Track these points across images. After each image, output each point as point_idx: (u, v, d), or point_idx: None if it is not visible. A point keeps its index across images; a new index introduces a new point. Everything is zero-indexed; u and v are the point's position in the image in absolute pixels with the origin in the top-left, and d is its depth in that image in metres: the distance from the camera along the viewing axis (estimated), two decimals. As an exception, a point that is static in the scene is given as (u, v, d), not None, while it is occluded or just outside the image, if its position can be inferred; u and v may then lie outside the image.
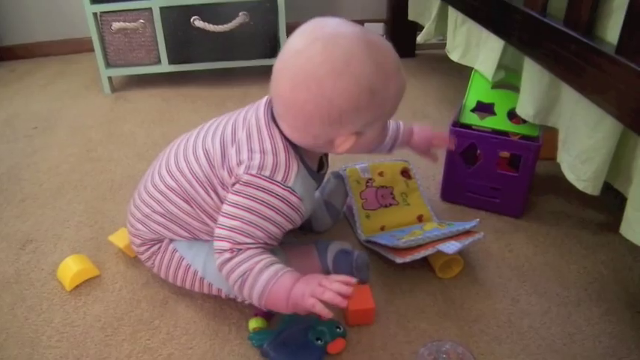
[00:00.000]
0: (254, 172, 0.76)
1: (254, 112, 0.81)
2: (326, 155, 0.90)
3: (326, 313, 0.69)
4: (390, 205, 1.06)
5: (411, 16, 1.89)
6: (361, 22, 2.35)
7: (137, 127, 1.56)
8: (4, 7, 2.24)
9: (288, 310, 0.74)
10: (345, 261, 0.90)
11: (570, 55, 0.83)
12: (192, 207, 0.84)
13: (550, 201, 1.15)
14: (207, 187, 0.82)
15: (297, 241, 0.98)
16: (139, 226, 0.89)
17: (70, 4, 2.23)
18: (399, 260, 0.89)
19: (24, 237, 1.09)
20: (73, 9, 2.21)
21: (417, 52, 2.08)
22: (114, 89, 1.84)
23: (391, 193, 1.08)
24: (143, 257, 0.92)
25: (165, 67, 1.78)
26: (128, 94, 1.82)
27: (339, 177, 1.07)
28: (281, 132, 0.77)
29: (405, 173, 1.11)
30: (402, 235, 0.95)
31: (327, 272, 0.91)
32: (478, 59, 1.26)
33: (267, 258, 0.76)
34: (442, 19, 1.56)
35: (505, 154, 1.11)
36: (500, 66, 1.15)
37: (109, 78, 1.81)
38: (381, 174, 1.11)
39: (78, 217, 1.14)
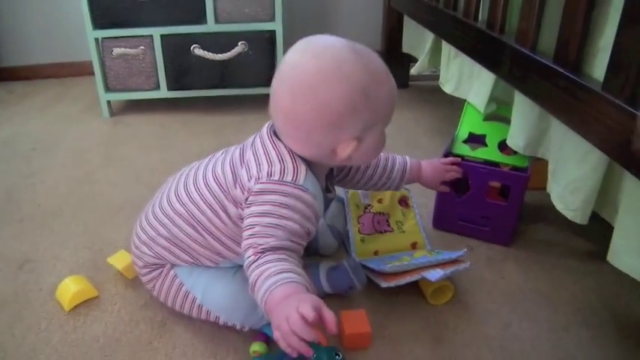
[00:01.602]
0: (264, 179, 0.78)
1: (258, 136, 0.84)
2: (331, 181, 0.93)
3: (289, 351, 0.65)
4: (385, 231, 1.09)
5: (405, 48, 1.94)
6: (356, 53, 2.40)
7: (136, 151, 1.59)
8: (4, 27, 2.27)
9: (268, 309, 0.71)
10: (339, 273, 0.93)
11: (559, 91, 0.87)
12: (198, 232, 0.86)
13: (540, 230, 1.18)
14: (217, 207, 0.83)
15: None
16: (144, 249, 0.91)
17: (70, 27, 2.27)
18: (383, 285, 0.91)
19: (22, 257, 1.10)
20: (74, 33, 2.25)
21: (410, 83, 2.13)
22: (113, 113, 1.87)
23: (387, 220, 1.11)
24: (144, 279, 0.94)
25: (164, 92, 1.81)
26: (127, 118, 1.85)
27: (340, 200, 1.10)
28: (285, 145, 0.80)
29: (403, 202, 1.14)
30: (391, 261, 0.97)
31: (322, 293, 0.93)
32: (470, 92, 1.30)
33: (282, 264, 0.73)
34: (436, 52, 1.62)
35: (495, 184, 1.15)
36: (492, 99, 1.20)
37: (108, 102, 1.84)
38: (379, 201, 1.14)
39: (76, 239, 1.15)
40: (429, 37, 1.64)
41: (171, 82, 1.79)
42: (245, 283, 0.84)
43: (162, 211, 0.89)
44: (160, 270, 0.91)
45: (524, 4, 0.98)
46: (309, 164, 0.81)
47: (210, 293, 0.87)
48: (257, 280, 0.72)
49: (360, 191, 1.14)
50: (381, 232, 1.09)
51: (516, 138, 1.08)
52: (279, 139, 0.81)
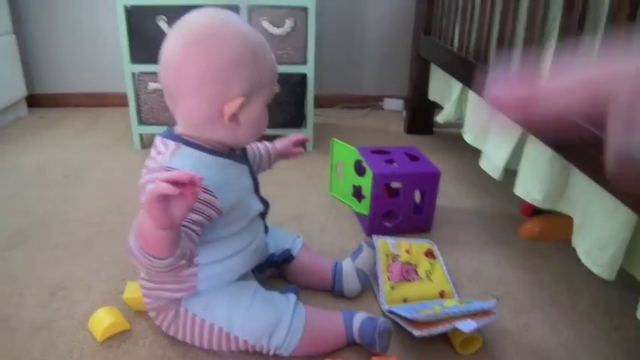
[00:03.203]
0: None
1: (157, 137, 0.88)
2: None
3: (166, 187, 0.63)
4: (414, 280, 1.11)
5: (431, 96, 1.99)
6: (381, 98, 2.46)
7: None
8: (39, 55, 2.36)
9: (156, 232, 0.69)
10: (369, 326, 0.93)
11: (585, 145, 0.87)
12: None
13: (565, 284, 1.18)
14: None
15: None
16: (146, 300, 0.95)
17: (104, 59, 2.36)
18: (416, 333, 0.92)
19: (55, 284, 1.12)
20: (107, 65, 2.34)
21: (434, 129, 2.16)
22: (144, 146, 1.92)
23: (415, 270, 1.13)
24: (164, 327, 0.95)
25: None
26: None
27: (371, 246, 1.13)
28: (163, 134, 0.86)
29: (430, 254, 1.18)
30: (422, 309, 0.98)
31: (351, 341, 0.94)
32: (488, 144, 1.35)
33: None
34: (462, 101, 1.65)
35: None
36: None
37: (140, 135, 1.89)
38: (407, 251, 1.17)
39: (108, 269, 1.18)
40: (457, 86, 1.68)
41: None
42: (266, 301, 0.90)
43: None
44: (174, 311, 0.92)
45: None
46: (196, 139, 0.84)
47: (234, 318, 0.89)
48: (129, 244, 0.74)
49: (389, 241, 1.19)
50: (409, 281, 1.11)
51: (532, 190, 1.11)
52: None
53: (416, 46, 2.01)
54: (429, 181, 1.30)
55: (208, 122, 0.83)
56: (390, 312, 1.01)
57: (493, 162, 1.32)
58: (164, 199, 0.65)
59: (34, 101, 2.39)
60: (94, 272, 1.17)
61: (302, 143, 1.16)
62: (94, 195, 1.55)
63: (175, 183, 0.64)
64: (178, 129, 0.86)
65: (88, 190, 1.58)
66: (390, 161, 1.35)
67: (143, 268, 0.75)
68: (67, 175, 1.68)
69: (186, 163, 0.81)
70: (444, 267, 1.16)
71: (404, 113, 2.24)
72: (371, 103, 2.47)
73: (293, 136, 1.14)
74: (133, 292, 1.03)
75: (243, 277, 0.97)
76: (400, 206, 1.30)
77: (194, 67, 0.79)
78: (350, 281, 1.08)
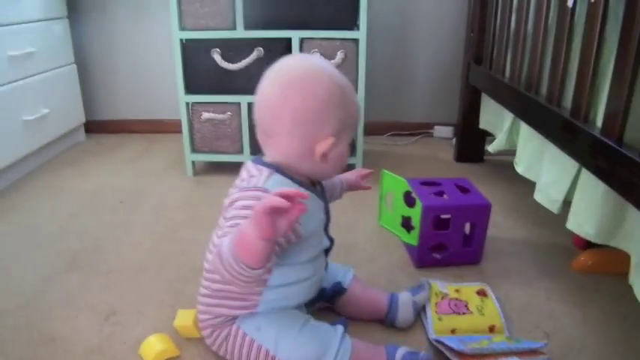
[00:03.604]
0: (233, 194, 0.88)
1: (246, 164, 0.94)
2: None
3: (279, 201, 0.68)
4: (463, 313, 1.09)
5: (482, 125, 1.96)
6: (431, 125, 2.45)
7: (217, 212, 1.63)
8: (95, 84, 2.49)
9: (258, 243, 0.72)
10: (410, 359, 0.93)
11: None
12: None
13: (619, 320, 1.13)
14: None
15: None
16: (203, 316, 0.98)
17: (159, 88, 2.45)
18: (460, 366, 0.91)
19: (108, 309, 1.16)
20: (162, 93, 2.43)
21: (484, 157, 2.13)
22: (195, 173, 1.97)
23: (465, 305, 1.11)
24: (215, 346, 0.98)
25: (247, 157, 1.90)
26: (209, 179, 1.95)
27: (426, 282, 1.15)
28: (255, 161, 0.91)
29: (482, 292, 1.16)
30: (470, 342, 0.96)
31: None
32: (542, 177, 1.32)
33: None
34: (513, 131, 1.63)
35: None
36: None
37: (193, 162, 1.95)
38: (457, 291, 1.16)
39: (160, 296, 1.21)
40: (508, 116, 1.66)
41: (255, 148, 1.88)
42: (314, 330, 0.92)
43: (204, 272, 0.98)
44: (228, 330, 0.95)
45: (610, 96, 0.99)
46: (288, 175, 0.89)
47: (281, 343, 0.91)
48: (222, 251, 0.77)
49: (438, 282, 1.19)
50: (458, 314, 1.09)
51: (584, 225, 1.08)
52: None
53: (466, 74, 2.00)
54: (480, 213, 1.29)
55: (299, 158, 0.89)
56: (437, 341, 1.00)
57: (549, 195, 1.29)
58: (274, 211, 0.69)
59: (94, 128, 2.51)
60: (146, 298, 1.20)
61: (368, 177, 1.20)
62: (147, 221, 1.59)
63: (286, 198, 0.69)
64: (268, 159, 0.91)
65: (141, 216, 1.63)
66: (440, 193, 1.34)
67: (231, 277, 0.78)
68: (122, 201, 1.73)
69: (279, 187, 0.84)
70: (497, 303, 1.13)
71: (454, 141, 2.22)
72: (421, 130, 2.47)
73: (361, 170, 1.19)
74: (183, 319, 1.05)
75: (297, 307, 0.99)
76: (449, 238, 1.29)
77: (291, 109, 0.85)
78: (405, 312, 1.09)
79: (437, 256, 1.30)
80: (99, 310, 1.15)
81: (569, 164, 1.20)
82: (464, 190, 1.35)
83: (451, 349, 0.95)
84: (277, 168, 0.89)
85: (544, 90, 1.34)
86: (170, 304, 1.17)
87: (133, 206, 1.70)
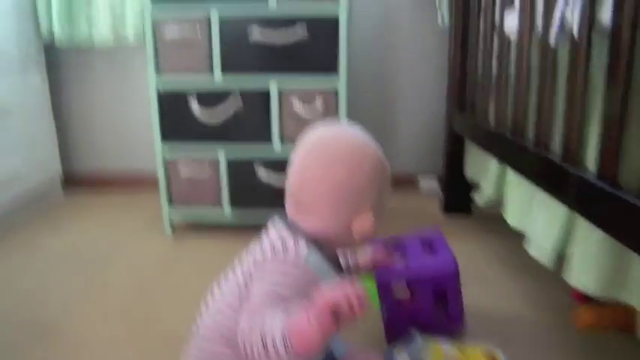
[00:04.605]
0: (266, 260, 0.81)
1: (272, 229, 0.87)
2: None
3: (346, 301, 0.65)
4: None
5: (468, 174, 1.91)
6: (415, 176, 2.39)
7: (197, 274, 1.55)
8: (73, 136, 2.45)
9: (318, 336, 0.66)
10: None
11: None
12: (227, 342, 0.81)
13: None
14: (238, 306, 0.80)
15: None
16: None
17: (138, 140, 2.39)
18: None
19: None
20: (141, 145, 2.37)
21: (472, 208, 2.05)
22: (174, 231, 1.89)
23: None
24: None
25: (227, 211, 1.82)
26: (189, 238, 1.85)
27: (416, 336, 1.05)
28: (288, 228, 0.84)
29: (492, 359, 1.01)
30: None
31: None
32: (534, 228, 1.25)
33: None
34: (501, 180, 1.57)
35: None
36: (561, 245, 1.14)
37: (171, 220, 1.86)
38: (463, 352, 1.01)
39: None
40: (494, 164, 1.60)
41: (234, 202, 1.81)
42: None
43: (196, 335, 0.87)
44: None
45: (602, 137, 0.93)
46: (319, 246, 0.83)
47: None
48: (266, 324, 0.70)
49: (444, 347, 1.02)
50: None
51: (583, 278, 1.00)
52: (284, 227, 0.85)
53: (449, 122, 1.96)
54: (446, 280, 1.12)
55: (335, 232, 0.85)
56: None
57: (541, 246, 1.22)
58: (338, 308, 0.65)
59: (71, 181, 2.45)
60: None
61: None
62: (119, 284, 1.49)
63: (357, 298, 0.65)
64: (302, 226, 0.85)
65: (112, 278, 1.53)
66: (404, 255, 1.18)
67: (262, 355, 0.69)
68: (93, 261, 1.64)
69: (315, 267, 0.81)
70: None
71: (440, 192, 2.16)
72: (404, 183, 2.40)
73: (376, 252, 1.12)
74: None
75: None
76: (417, 312, 1.13)
77: (336, 184, 0.82)
78: None
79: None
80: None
81: (561, 212, 1.13)
82: (431, 248, 1.20)
83: None
84: (313, 239, 0.83)
85: (530, 134, 1.29)
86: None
87: (105, 267, 1.60)
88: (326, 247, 0.84)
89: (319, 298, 0.67)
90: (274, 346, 0.67)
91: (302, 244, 0.81)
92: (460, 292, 1.15)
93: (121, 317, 1.31)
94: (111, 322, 1.28)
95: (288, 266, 0.78)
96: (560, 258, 1.17)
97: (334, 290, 0.67)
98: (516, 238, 1.41)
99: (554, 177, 1.11)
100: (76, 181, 2.46)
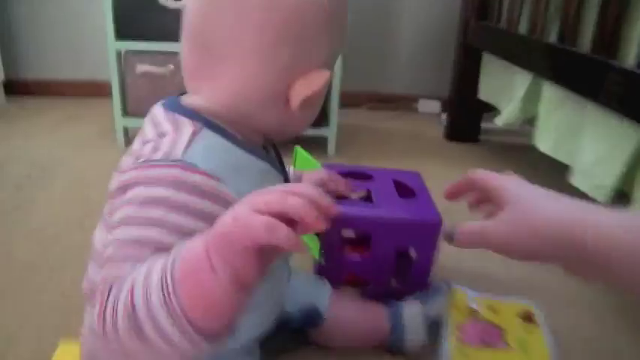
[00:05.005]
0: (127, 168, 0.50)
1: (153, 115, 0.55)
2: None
3: (292, 237, 0.36)
4: (496, 346, 0.73)
5: (482, 95, 1.63)
6: (415, 98, 2.12)
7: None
8: (21, 38, 2.09)
9: (230, 291, 0.37)
10: None
11: None
12: None
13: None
14: None
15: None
16: None
17: (95, 42, 2.04)
18: None
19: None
20: (98, 48, 2.02)
21: (480, 137, 1.80)
22: (128, 142, 1.58)
23: (500, 335, 0.75)
24: None
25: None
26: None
27: (446, 287, 0.80)
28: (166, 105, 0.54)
29: (527, 318, 0.78)
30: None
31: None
32: (579, 158, 1.00)
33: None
34: (532, 98, 1.29)
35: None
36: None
37: (125, 129, 1.56)
38: (493, 310, 0.78)
39: (44, 313, 0.83)
40: (523, 80, 1.32)
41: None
42: None
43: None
44: None
45: None
46: (226, 120, 0.53)
47: None
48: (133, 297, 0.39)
49: (468, 292, 0.80)
50: (489, 346, 0.73)
51: None
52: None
53: (463, 33, 1.66)
54: (420, 236, 0.83)
55: (262, 102, 0.53)
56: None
57: (593, 178, 0.96)
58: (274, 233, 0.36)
59: (18, 88, 2.10)
60: (25, 317, 0.82)
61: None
62: (55, 201, 1.21)
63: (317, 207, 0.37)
64: (197, 101, 0.53)
65: (48, 195, 1.24)
66: (368, 196, 0.89)
67: (152, 349, 0.39)
68: (29, 175, 1.34)
69: (212, 159, 0.49)
70: (548, 336, 0.77)
71: (443, 117, 1.89)
72: (402, 103, 2.13)
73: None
74: (65, 357, 0.67)
75: (246, 350, 0.62)
76: (368, 269, 0.85)
77: (272, 13, 0.49)
78: (413, 330, 0.76)
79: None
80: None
81: (628, 141, 0.88)
82: (407, 191, 0.91)
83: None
84: (210, 122, 0.52)
85: (586, 39, 1.01)
86: (53, 327, 0.79)
87: (42, 182, 1.31)
88: (244, 133, 0.54)
89: (232, 219, 0.38)
90: (160, 328, 0.38)
91: (187, 131, 0.50)
92: (430, 259, 0.84)
93: (46, 244, 1.03)
94: (36, 248, 1.01)
95: (162, 185, 0.45)
96: (622, 196, 0.92)
97: (265, 198, 0.38)
98: (535, 173, 1.17)
99: (626, 92, 0.85)
100: (20, 89, 2.12)
